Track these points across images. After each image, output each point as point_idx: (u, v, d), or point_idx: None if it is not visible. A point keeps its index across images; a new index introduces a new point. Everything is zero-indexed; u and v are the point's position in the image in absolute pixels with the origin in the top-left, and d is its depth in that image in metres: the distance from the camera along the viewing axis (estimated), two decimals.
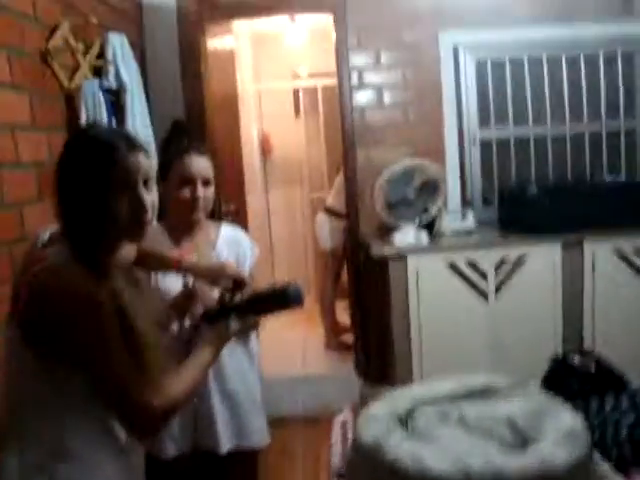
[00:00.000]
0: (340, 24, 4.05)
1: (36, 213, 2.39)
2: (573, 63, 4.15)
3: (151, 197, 1.46)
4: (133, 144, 1.45)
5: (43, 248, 1.42)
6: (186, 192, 2.08)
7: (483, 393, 1.77)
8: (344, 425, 2.75)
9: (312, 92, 6.34)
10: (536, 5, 4.05)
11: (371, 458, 1.54)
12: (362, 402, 2.72)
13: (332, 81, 4.98)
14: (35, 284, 1.36)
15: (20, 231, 2.28)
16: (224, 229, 2.26)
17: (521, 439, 1.55)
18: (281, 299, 1.65)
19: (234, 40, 4.29)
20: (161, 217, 2.12)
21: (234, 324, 1.65)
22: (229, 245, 2.21)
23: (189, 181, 2.08)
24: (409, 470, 1.43)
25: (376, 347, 4.09)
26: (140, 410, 1.38)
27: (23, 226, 2.30)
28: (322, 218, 5.02)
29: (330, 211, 4.95)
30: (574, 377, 2.66)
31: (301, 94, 6.38)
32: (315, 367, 4.63)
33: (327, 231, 4.95)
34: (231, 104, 4.13)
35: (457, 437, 1.56)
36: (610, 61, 4.16)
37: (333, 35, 4.13)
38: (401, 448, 1.49)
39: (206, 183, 2.11)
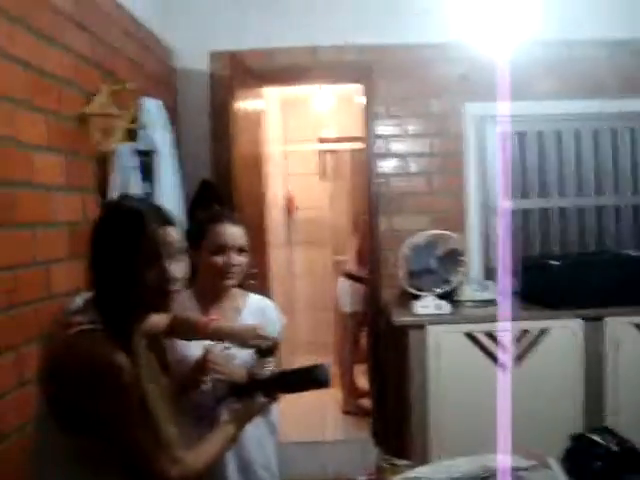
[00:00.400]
0: (368, 94, 4.15)
1: (64, 272, 2.44)
2: (596, 137, 4.21)
3: (179, 269, 1.50)
4: (164, 217, 1.51)
5: (74, 315, 1.46)
6: (219, 259, 2.11)
7: (502, 476, 1.76)
8: None
9: (338, 155, 6.43)
10: (560, 80, 4.14)
11: None
12: (378, 474, 2.70)
13: (358, 145, 5.07)
14: (59, 351, 1.39)
15: (47, 290, 2.33)
16: (252, 298, 2.28)
17: None
18: (309, 380, 1.69)
19: (263, 103, 4.40)
20: (191, 283, 2.16)
21: (260, 401, 1.68)
22: (254, 314, 2.22)
23: (223, 249, 2.11)
24: None
25: (393, 414, 4.06)
26: None
27: (50, 285, 2.35)
28: (342, 282, 5.05)
29: (349, 275, 4.99)
30: (596, 456, 2.62)
31: (327, 157, 6.47)
32: (332, 432, 4.59)
33: (347, 295, 4.98)
34: (258, 165, 4.21)
35: None
36: (632, 136, 4.21)
37: (361, 103, 4.23)
38: None
39: (240, 251, 2.15)
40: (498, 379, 3.49)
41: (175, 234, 1.51)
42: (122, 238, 1.44)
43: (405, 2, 4.12)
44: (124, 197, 2.12)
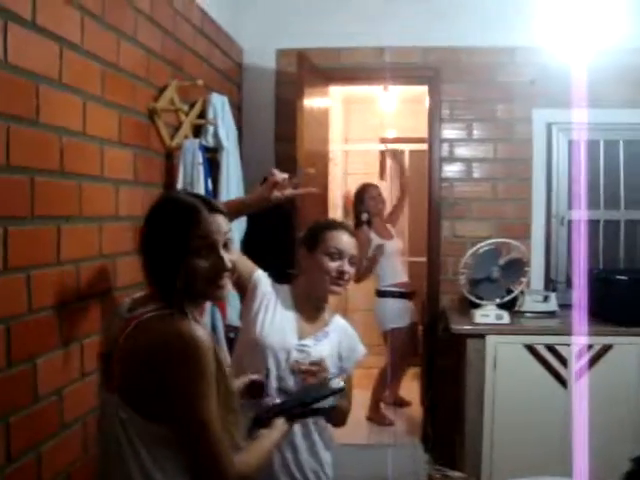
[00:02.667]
0: (434, 96, 4.10)
1: (128, 266, 2.46)
2: None
3: (230, 257, 1.51)
4: (214, 207, 1.51)
5: (132, 309, 1.47)
6: (333, 264, 2.12)
7: None
8: None
9: (399, 156, 6.37)
10: (633, 88, 4.01)
11: None
12: None
13: (419, 146, 5.00)
14: (137, 336, 1.38)
15: (113, 283, 2.35)
16: (337, 317, 2.28)
17: None
18: (326, 389, 1.79)
19: (330, 101, 4.37)
20: (293, 282, 2.24)
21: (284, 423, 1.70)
22: (338, 332, 2.22)
23: (339, 254, 2.12)
24: None
25: (445, 422, 4.01)
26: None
27: (116, 278, 2.37)
28: (377, 301, 4.86)
29: (382, 293, 4.82)
30: None
31: (388, 157, 6.42)
32: (380, 436, 4.55)
33: (384, 313, 4.80)
34: (322, 164, 4.18)
35: None
36: None
37: (426, 105, 4.18)
38: None
39: (351, 262, 2.15)
40: (557, 394, 3.41)
41: (225, 223, 1.51)
42: (174, 228, 1.45)
43: (475, 5, 4.05)
44: (173, 190, 2.15)
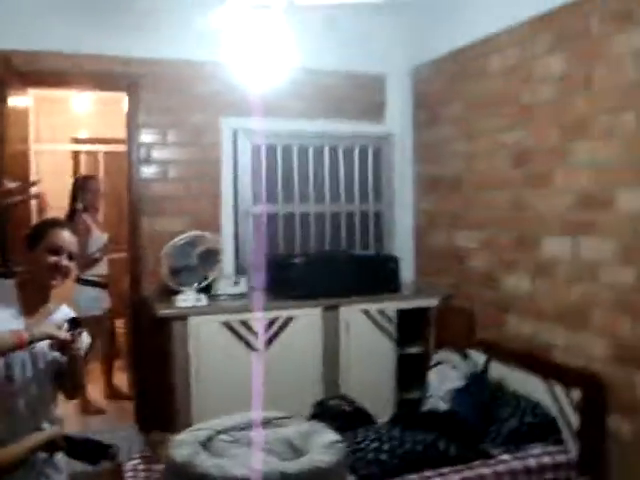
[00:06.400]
0: (133, 103, 4.41)
1: None
2: (334, 153, 4.93)
3: None
4: None
5: None
6: (52, 259, 2.31)
7: (265, 424, 2.24)
8: (135, 469, 3.05)
9: (94, 156, 6.52)
10: (306, 102, 4.78)
11: (184, 473, 1.92)
12: (153, 448, 3.04)
13: (114, 147, 5.24)
14: None
15: None
16: (63, 306, 2.50)
17: (297, 452, 2.05)
18: (103, 452, 2.12)
19: (30, 101, 4.43)
20: (17, 277, 2.42)
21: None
22: (62, 319, 2.38)
23: (58, 250, 2.33)
24: (217, 478, 1.85)
25: (156, 399, 4.32)
26: None
27: None
28: (77, 288, 4.98)
29: (82, 280, 4.98)
30: (333, 417, 3.28)
31: (82, 158, 6.53)
32: (95, 421, 4.77)
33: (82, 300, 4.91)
34: (24, 164, 4.27)
35: (248, 454, 2.01)
36: (363, 154, 5.02)
37: (124, 110, 4.48)
38: (207, 463, 1.90)
39: (70, 258, 2.37)
40: (252, 359, 4.00)
41: None
42: None
43: (169, 20, 4.38)
44: None
